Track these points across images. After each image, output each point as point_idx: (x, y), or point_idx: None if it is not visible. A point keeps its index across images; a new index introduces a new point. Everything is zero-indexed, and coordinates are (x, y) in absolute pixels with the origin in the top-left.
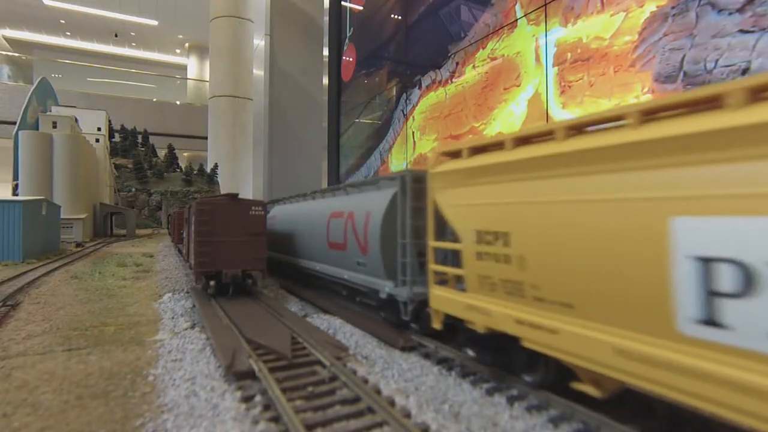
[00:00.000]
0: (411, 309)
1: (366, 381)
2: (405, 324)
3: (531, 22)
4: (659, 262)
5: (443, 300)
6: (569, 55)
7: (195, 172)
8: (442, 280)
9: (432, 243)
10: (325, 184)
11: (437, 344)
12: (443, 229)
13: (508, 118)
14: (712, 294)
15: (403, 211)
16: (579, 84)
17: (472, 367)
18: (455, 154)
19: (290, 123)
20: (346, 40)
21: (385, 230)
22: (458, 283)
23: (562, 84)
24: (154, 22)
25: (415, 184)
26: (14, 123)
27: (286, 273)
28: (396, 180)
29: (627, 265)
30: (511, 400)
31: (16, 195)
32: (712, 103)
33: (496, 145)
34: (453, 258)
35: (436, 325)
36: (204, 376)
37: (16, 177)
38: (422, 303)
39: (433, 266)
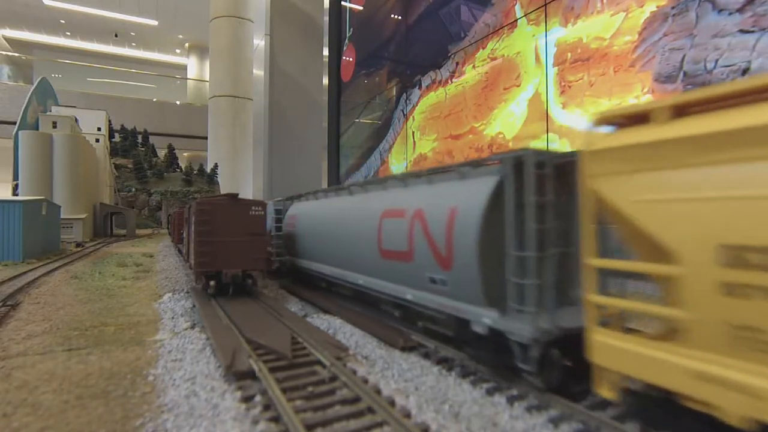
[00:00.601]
0: (536, 355)
1: (366, 381)
2: (516, 371)
3: (531, 22)
4: None
5: (626, 355)
6: (569, 55)
7: (195, 172)
8: (606, 320)
9: (594, 261)
10: (325, 184)
11: (437, 344)
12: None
13: (508, 118)
14: None
15: (519, 208)
16: (579, 84)
17: (473, 367)
18: (636, 119)
19: (290, 123)
20: (346, 40)
21: (485, 236)
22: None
23: (562, 84)
24: (154, 22)
25: (537, 169)
26: (14, 123)
27: (313, 284)
28: (505, 163)
29: None
30: (511, 400)
31: (16, 195)
32: None
33: (742, 95)
34: (603, 283)
35: (607, 392)
36: (204, 376)
37: (16, 177)
38: (547, 345)
39: (598, 298)
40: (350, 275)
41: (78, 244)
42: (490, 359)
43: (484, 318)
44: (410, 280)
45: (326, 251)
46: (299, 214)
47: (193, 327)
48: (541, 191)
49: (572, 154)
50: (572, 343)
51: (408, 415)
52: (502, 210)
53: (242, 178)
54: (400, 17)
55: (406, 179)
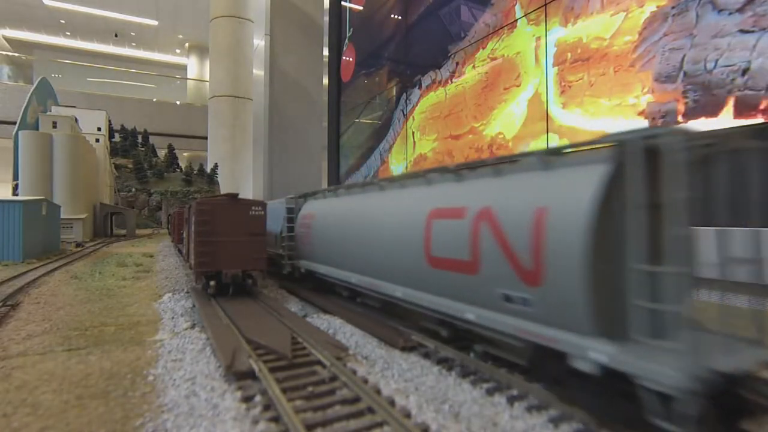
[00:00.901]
0: (693, 411)
1: (366, 381)
2: (639, 423)
3: (531, 22)
4: None
5: None
6: (569, 55)
7: (195, 172)
8: None
9: None
10: (325, 184)
11: (437, 344)
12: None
13: (508, 118)
14: None
15: (654, 207)
16: (579, 84)
17: (473, 366)
18: None
19: (290, 123)
20: (346, 40)
21: (597, 244)
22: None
23: (562, 84)
24: (154, 22)
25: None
26: (14, 123)
27: (334, 292)
28: (629, 146)
29: None
30: (511, 400)
31: (16, 195)
32: None
33: None
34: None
35: None
36: (204, 376)
37: (16, 177)
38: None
39: None
40: (384, 286)
41: (78, 244)
42: (598, 406)
43: (593, 352)
44: (472, 295)
45: (352, 257)
46: (316, 213)
47: (193, 327)
48: (691, 185)
49: (719, 132)
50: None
51: (408, 415)
52: (621, 210)
53: (242, 178)
54: (400, 17)
55: (460, 171)
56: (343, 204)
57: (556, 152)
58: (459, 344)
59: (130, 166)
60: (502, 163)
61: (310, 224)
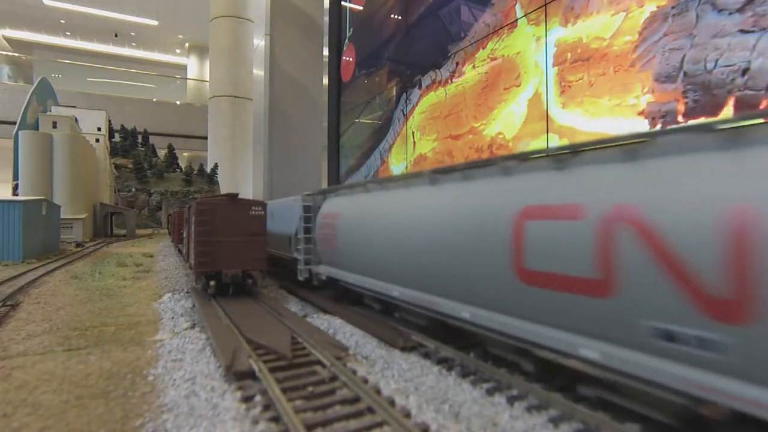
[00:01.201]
0: None
1: (366, 381)
2: None
3: (531, 22)
4: None
5: None
6: (569, 55)
7: (195, 172)
8: None
9: None
10: (325, 184)
11: (437, 344)
12: None
13: (508, 118)
14: None
15: None
16: (579, 84)
17: (473, 366)
18: None
19: (290, 123)
20: (346, 40)
21: None
22: None
23: (562, 84)
24: (154, 22)
25: None
26: (14, 123)
27: (362, 303)
28: None
29: None
30: (511, 400)
31: (16, 195)
32: None
33: None
34: None
35: None
36: (204, 376)
37: (16, 177)
38: None
39: None
40: (443, 304)
41: (78, 244)
42: None
43: None
44: (598, 327)
45: (394, 265)
46: (342, 212)
47: (193, 327)
48: None
49: None
50: None
51: (408, 415)
52: None
53: (242, 178)
54: (400, 17)
55: (561, 156)
56: (379, 201)
57: (738, 123)
58: (460, 344)
59: (130, 166)
60: (634, 142)
61: (334, 225)
